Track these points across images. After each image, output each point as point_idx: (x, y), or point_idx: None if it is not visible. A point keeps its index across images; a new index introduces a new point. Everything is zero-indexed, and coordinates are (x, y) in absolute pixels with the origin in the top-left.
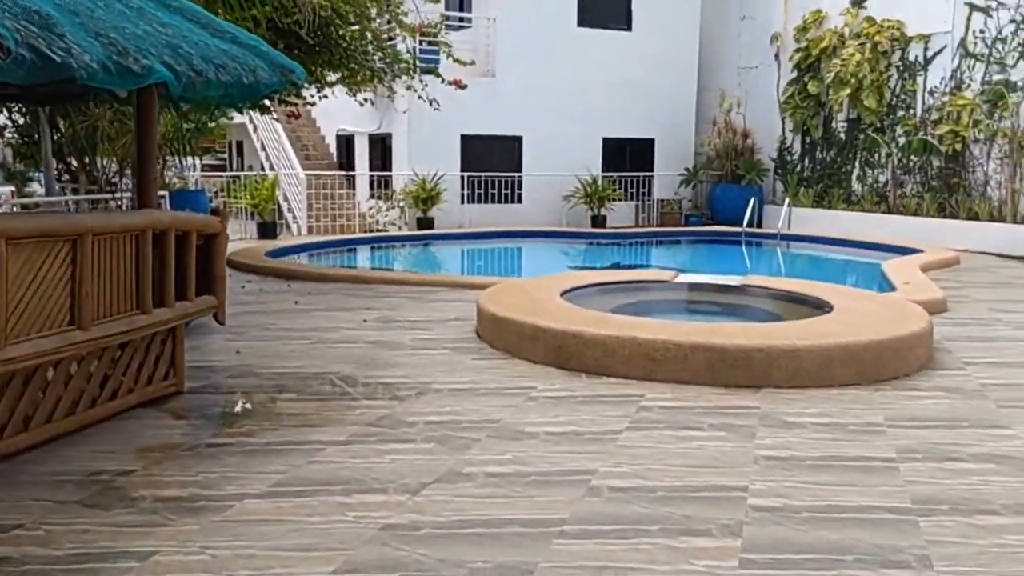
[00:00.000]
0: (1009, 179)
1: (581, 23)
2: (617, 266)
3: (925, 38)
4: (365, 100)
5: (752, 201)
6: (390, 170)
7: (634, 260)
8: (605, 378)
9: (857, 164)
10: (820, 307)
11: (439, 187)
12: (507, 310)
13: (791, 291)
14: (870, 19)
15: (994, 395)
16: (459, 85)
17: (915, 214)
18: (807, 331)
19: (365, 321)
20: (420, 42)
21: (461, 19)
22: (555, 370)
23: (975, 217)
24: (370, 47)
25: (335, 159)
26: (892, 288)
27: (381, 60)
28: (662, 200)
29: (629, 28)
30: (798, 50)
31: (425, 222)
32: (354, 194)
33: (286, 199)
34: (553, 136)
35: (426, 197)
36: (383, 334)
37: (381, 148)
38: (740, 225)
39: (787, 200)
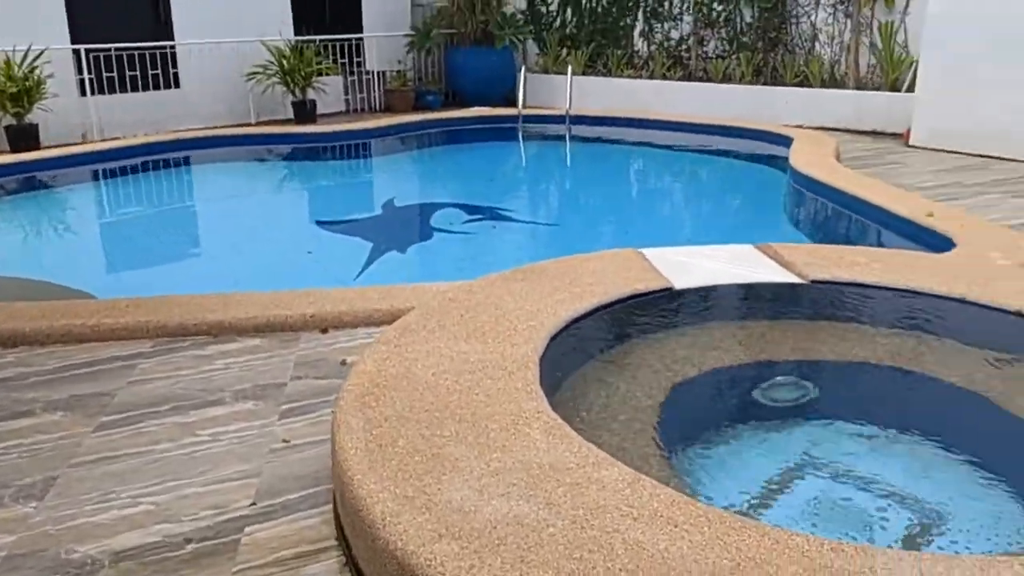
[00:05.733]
0: (852, 30)
1: None
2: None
3: None
4: None
5: (523, 70)
6: None
7: (406, 185)
8: None
9: (641, 15)
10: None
11: (39, 72)
12: None
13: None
14: None
15: None
16: None
17: (725, 80)
18: None
19: None
20: None
21: None
22: None
23: (805, 83)
24: None
25: None
26: (944, 240)
27: None
28: (382, 73)
29: None
30: None
31: (22, 133)
32: None
33: None
34: None
35: (18, 91)
36: None
37: None
38: (496, 105)
39: (570, 67)
